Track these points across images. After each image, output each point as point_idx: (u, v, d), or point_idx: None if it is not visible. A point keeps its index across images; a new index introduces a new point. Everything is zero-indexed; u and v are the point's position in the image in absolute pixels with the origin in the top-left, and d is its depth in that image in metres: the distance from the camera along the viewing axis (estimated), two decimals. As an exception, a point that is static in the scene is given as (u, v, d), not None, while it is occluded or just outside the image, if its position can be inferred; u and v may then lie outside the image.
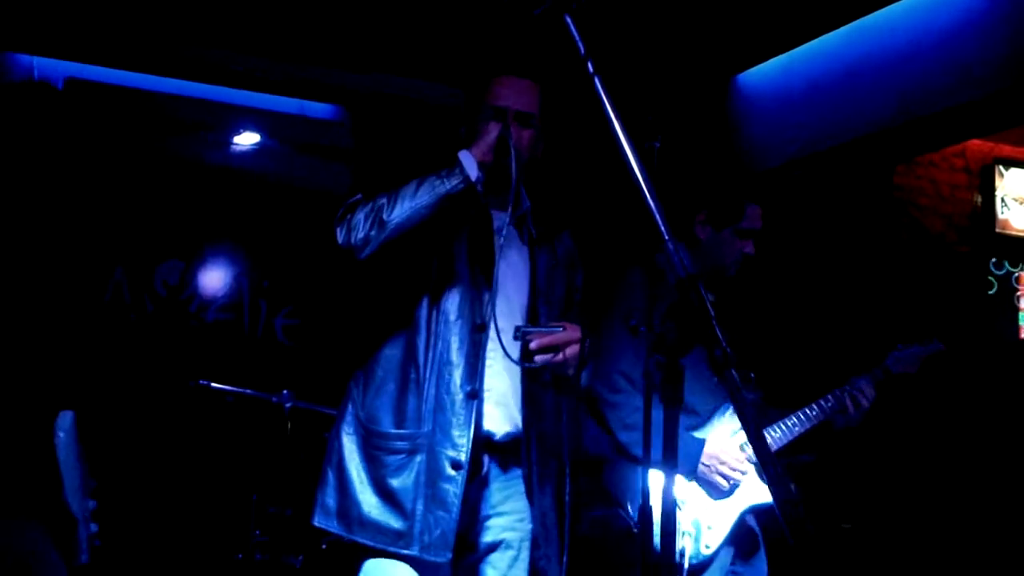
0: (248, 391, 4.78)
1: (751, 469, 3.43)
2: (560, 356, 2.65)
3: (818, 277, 5.71)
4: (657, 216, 1.71)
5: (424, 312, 2.66)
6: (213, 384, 4.73)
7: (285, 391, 4.77)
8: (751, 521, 3.50)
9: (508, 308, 2.73)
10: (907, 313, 5.68)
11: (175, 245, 5.79)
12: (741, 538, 3.48)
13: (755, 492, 3.42)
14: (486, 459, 2.70)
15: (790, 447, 3.53)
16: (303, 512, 4.78)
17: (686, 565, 3.22)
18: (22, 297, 2.56)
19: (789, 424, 3.53)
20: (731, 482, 3.38)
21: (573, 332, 2.67)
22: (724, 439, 3.44)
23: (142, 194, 5.59)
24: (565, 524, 2.68)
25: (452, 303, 2.67)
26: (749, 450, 3.45)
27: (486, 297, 2.67)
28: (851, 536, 5.33)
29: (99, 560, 2.77)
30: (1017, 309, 6.22)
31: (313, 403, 4.83)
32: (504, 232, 2.70)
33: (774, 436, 3.50)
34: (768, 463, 1.65)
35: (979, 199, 6.20)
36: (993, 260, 6.19)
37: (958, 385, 5.74)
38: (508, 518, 2.72)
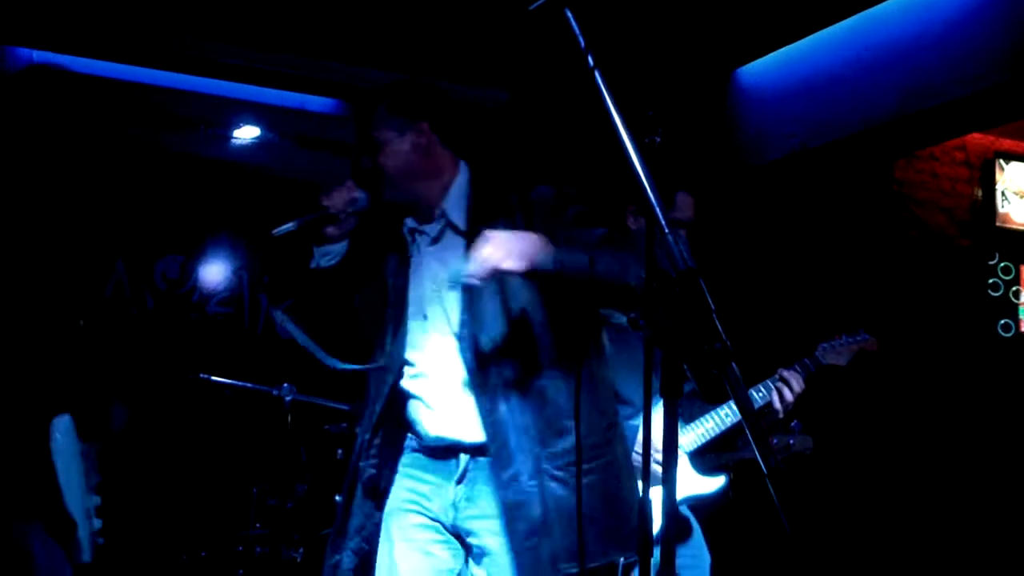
0: (248, 384, 4.79)
1: (682, 461, 3.39)
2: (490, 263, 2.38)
3: (818, 270, 5.70)
4: (657, 210, 1.71)
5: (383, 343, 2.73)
6: (213, 377, 4.74)
7: (285, 384, 4.78)
8: (683, 510, 3.47)
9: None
10: (906, 308, 5.68)
11: (175, 239, 5.79)
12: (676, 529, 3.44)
13: (686, 484, 3.38)
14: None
15: (722, 439, 3.47)
16: (303, 505, 4.81)
17: (621, 559, 3.09)
18: (20, 297, 2.56)
19: (721, 415, 3.47)
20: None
21: (487, 239, 2.40)
22: (658, 428, 3.40)
23: (142, 189, 5.59)
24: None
25: (388, 336, 2.70)
26: (682, 439, 3.40)
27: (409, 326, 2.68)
28: (851, 534, 5.34)
29: (101, 553, 2.78)
30: (1017, 304, 6.22)
31: (313, 396, 4.84)
32: (412, 247, 2.73)
33: (706, 427, 3.45)
34: (767, 457, 1.65)
35: (980, 193, 6.20)
36: (1002, 265, 6.18)
37: (958, 380, 5.75)
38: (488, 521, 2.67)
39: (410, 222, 2.75)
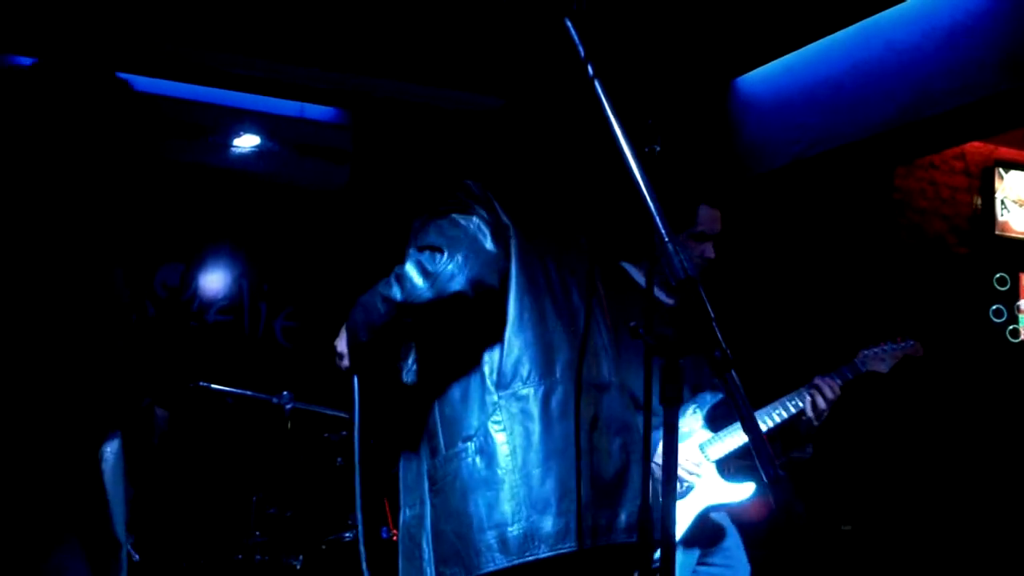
0: (248, 392, 4.79)
1: (710, 470, 3.40)
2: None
3: (818, 278, 5.71)
4: (657, 219, 1.71)
5: None
6: (213, 385, 4.74)
7: (285, 392, 4.77)
8: (718, 517, 3.48)
9: None
10: (906, 315, 5.68)
11: (175, 247, 5.79)
12: (705, 535, 3.45)
13: (714, 492, 3.39)
14: None
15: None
16: (303, 513, 4.80)
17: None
18: (64, 310, 2.50)
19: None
20: (683, 482, 3.35)
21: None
22: (697, 439, 3.42)
23: (142, 196, 5.59)
24: None
25: None
26: (708, 451, 3.42)
27: None
28: (851, 538, 5.34)
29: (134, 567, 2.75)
30: (1018, 311, 6.22)
31: (313, 404, 4.84)
32: None
33: (739, 436, 3.45)
34: (768, 464, 1.65)
35: (979, 201, 6.21)
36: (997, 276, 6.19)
37: (958, 387, 5.75)
38: None
39: None
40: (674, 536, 1.89)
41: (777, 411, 3.48)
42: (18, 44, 5.19)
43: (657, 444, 3.30)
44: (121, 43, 5.22)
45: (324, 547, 4.54)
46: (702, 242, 3.53)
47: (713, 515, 3.44)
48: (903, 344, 3.66)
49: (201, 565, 4.86)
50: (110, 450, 2.48)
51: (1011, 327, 6.17)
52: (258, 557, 4.63)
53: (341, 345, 2.68)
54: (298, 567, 4.60)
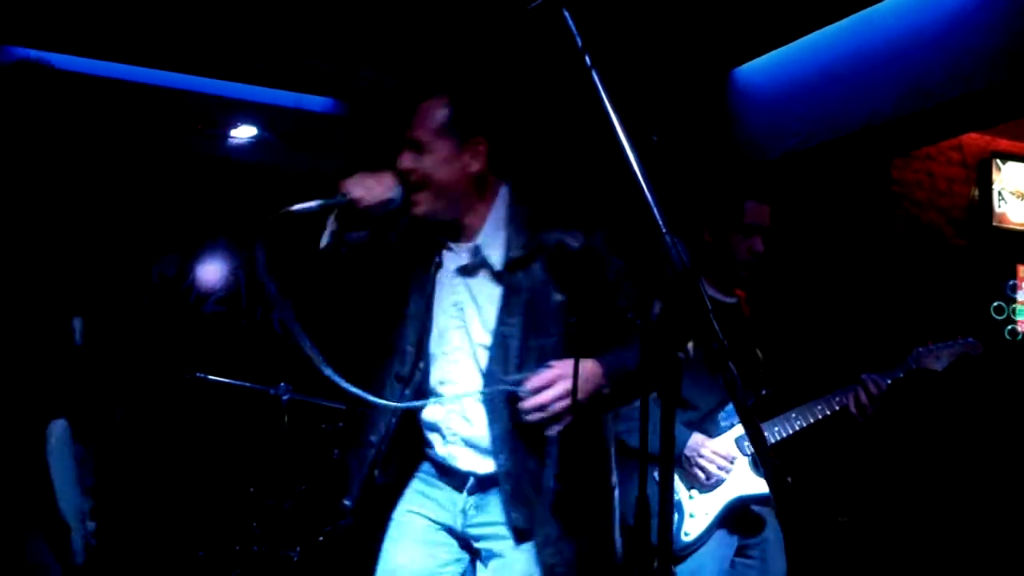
0: (245, 383, 4.79)
1: (743, 462, 3.43)
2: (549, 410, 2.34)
3: (815, 270, 5.71)
4: (655, 210, 1.71)
5: None
6: (210, 376, 4.74)
7: (282, 383, 4.77)
8: (761, 511, 3.50)
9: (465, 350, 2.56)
10: (903, 307, 5.68)
11: (173, 239, 5.79)
12: (744, 526, 3.47)
13: (744, 484, 3.42)
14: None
15: (789, 442, 3.51)
16: (300, 505, 4.81)
17: None
18: (16, 299, 2.54)
19: (791, 418, 3.51)
20: (710, 476, 3.37)
21: (544, 382, 2.34)
22: (713, 432, 3.45)
23: (139, 188, 5.60)
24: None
25: (402, 363, 2.66)
26: (745, 444, 3.46)
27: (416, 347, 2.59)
28: (847, 530, 5.35)
29: (97, 553, 2.78)
30: (1015, 303, 6.23)
31: (310, 395, 4.84)
32: (438, 266, 2.59)
33: (773, 431, 3.48)
34: (765, 456, 1.66)
35: (976, 193, 6.20)
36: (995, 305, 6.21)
37: (955, 381, 5.75)
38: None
39: (443, 239, 2.60)
40: (671, 533, 1.89)
41: (820, 407, 3.51)
42: (15, 35, 5.18)
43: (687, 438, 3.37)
44: (117, 34, 5.21)
45: (321, 539, 4.55)
46: (749, 236, 3.56)
47: (755, 508, 3.46)
48: (962, 342, 3.69)
49: (199, 556, 4.86)
50: (54, 435, 2.52)
51: (1009, 327, 6.17)
52: (255, 548, 4.63)
53: (568, 385, 2.31)
54: (295, 559, 4.61)
